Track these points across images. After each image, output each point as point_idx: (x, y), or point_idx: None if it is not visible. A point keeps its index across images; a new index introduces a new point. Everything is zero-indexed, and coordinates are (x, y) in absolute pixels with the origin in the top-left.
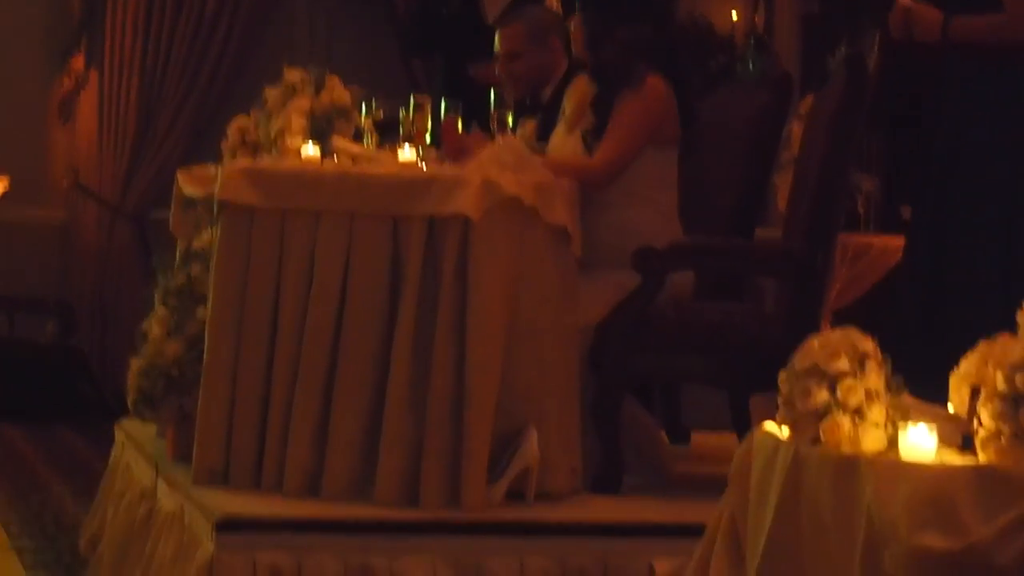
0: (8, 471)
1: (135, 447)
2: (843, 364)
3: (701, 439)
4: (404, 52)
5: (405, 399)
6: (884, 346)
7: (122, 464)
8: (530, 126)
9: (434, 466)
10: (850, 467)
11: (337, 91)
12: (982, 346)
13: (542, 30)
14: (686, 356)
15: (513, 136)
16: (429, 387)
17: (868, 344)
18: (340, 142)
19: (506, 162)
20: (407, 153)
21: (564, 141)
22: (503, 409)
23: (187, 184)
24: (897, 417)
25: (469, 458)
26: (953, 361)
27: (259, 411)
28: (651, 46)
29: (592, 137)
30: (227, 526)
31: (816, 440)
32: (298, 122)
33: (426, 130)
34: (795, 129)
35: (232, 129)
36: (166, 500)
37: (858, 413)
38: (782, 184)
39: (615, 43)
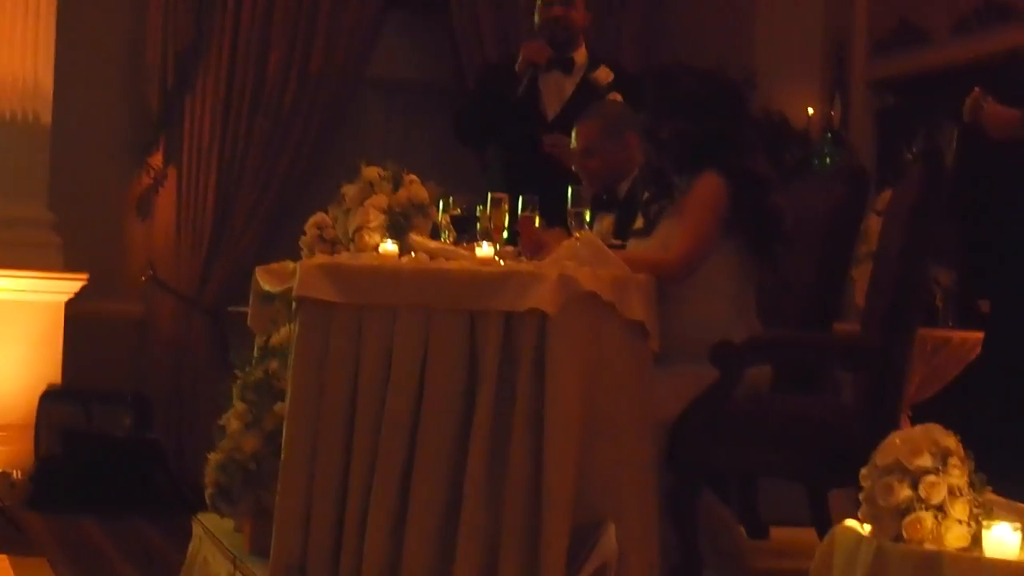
0: (86, 564)
1: (212, 541)
2: (925, 461)
3: (780, 534)
4: (459, 144)
5: (482, 492)
6: (966, 442)
7: (200, 558)
8: (607, 221)
9: (512, 560)
10: (933, 564)
11: (415, 187)
12: None
13: (618, 126)
14: (764, 450)
15: (590, 232)
16: (506, 480)
17: (950, 440)
18: (417, 238)
19: (583, 257)
20: (484, 249)
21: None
22: (580, 503)
23: (265, 280)
24: (980, 514)
25: (547, 552)
26: None
27: (336, 505)
28: (712, 141)
29: (640, 237)
30: None
31: (898, 537)
32: (376, 218)
33: (503, 226)
34: (872, 223)
35: (310, 225)
36: None
37: (941, 510)
38: (860, 278)
39: (672, 137)
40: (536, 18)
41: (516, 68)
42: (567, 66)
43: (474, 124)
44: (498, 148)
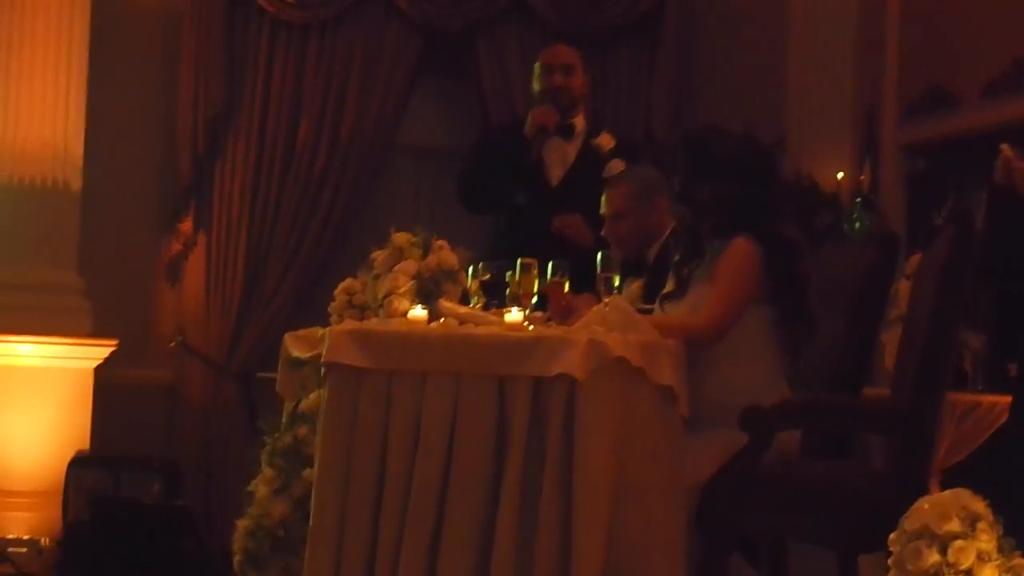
0: None
1: None
2: (954, 525)
3: None
4: (464, 209)
5: (512, 557)
6: (995, 507)
7: None
8: (636, 286)
9: None
10: None
11: (444, 253)
12: None
13: (648, 190)
14: (793, 514)
15: (619, 297)
16: (536, 545)
17: (979, 505)
18: (447, 304)
19: (613, 322)
20: (514, 314)
21: (674, 302)
22: (610, 568)
23: (294, 346)
24: None
25: None
26: None
27: (365, 571)
28: (746, 205)
29: (671, 300)
30: None
31: None
32: (405, 284)
33: (533, 291)
34: (902, 287)
35: (339, 291)
36: None
37: (969, 575)
38: (890, 342)
39: (707, 199)
40: (535, 85)
41: (526, 133)
42: (567, 132)
43: (477, 190)
44: (503, 212)
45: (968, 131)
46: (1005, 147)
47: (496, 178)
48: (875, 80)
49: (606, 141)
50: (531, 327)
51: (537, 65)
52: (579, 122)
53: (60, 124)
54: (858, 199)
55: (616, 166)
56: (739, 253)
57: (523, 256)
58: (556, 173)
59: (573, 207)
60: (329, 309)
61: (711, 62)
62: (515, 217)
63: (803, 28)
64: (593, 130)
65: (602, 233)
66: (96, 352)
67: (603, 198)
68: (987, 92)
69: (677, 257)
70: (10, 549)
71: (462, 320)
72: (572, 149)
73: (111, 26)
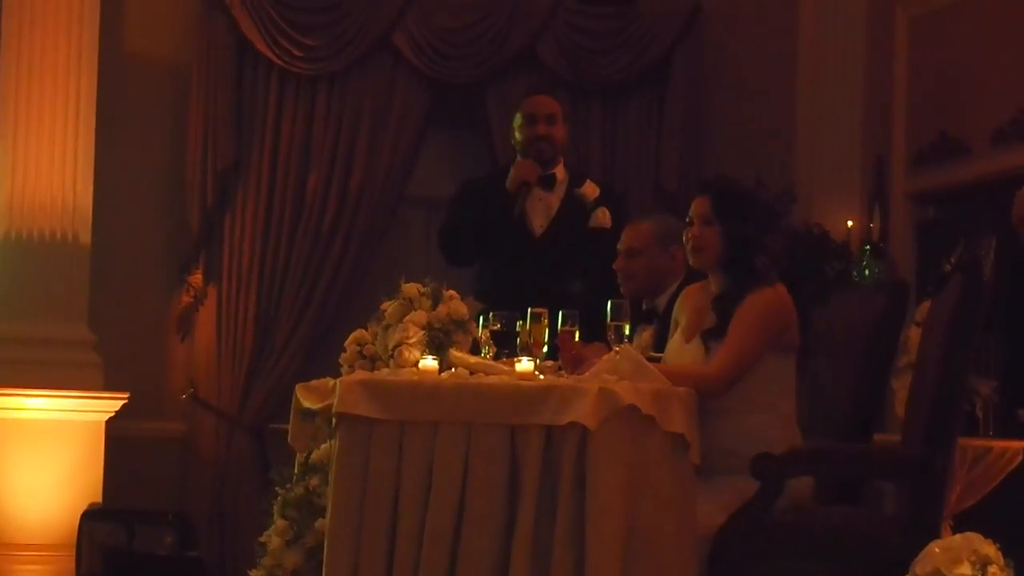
0: None
1: None
2: (965, 569)
3: None
4: (447, 262)
5: None
6: (1006, 551)
7: None
8: (647, 335)
9: None
10: None
11: (454, 304)
12: None
13: (668, 236)
14: (806, 561)
15: (630, 345)
16: None
17: (990, 549)
18: (457, 354)
19: (623, 371)
20: (524, 364)
21: (681, 350)
22: None
23: (305, 397)
24: None
25: None
26: None
27: None
28: (781, 255)
29: (711, 336)
30: None
31: None
32: (415, 334)
33: (543, 341)
34: (912, 335)
35: (350, 342)
36: None
37: None
38: (900, 389)
39: (764, 250)
40: (517, 135)
41: (508, 187)
42: (548, 182)
43: (457, 244)
44: (486, 264)
45: (977, 179)
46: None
47: (475, 232)
48: (884, 129)
49: (590, 190)
50: (542, 376)
51: (518, 115)
52: (559, 171)
53: (69, 178)
54: (868, 247)
55: (602, 215)
56: (758, 305)
57: (508, 307)
58: (539, 223)
59: (557, 257)
60: (340, 360)
61: (720, 112)
62: (500, 268)
63: (812, 77)
64: (574, 179)
65: (614, 266)
66: (107, 405)
67: (623, 234)
68: (995, 140)
69: (718, 293)
70: None
71: (473, 370)
72: (555, 199)
73: (119, 79)
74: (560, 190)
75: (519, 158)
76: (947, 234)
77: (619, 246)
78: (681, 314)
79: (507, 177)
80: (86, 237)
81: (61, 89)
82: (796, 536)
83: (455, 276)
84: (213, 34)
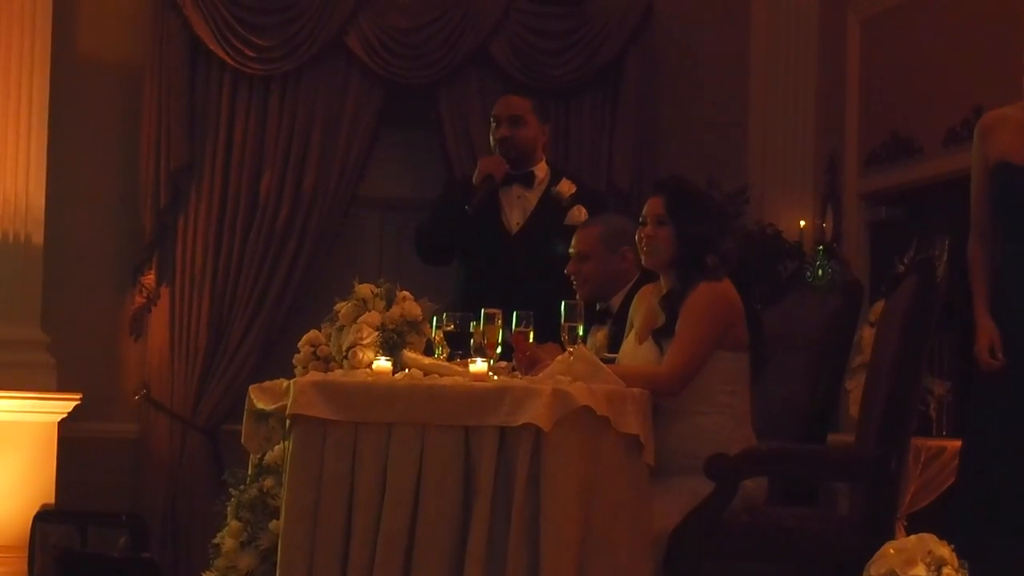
0: None
1: None
2: (920, 570)
3: None
4: (422, 260)
5: None
6: (960, 551)
7: None
8: (601, 335)
9: None
10: None
11: (408, 304)
12: None
13: (616, 238)
14: (760, 562)
15: (584, 346)
16: None
17: (945, 550)
18: (411, 355)
19: (577, 372)
20: (478, 364)
21: (635, 351)
22: None
23: (259, 398)
24: None
25: None
26: None
27: None
28: (734, 257)
29: (662, 335)
30: None
31: None
32: (369, 335)
33: (497, 342)
34: (866, 334)
35: (303, 343)
36: None
37: None
38: (854, 389)
39: (716, 250)
40: (491, 138)
41: (473, 181)
42: (528, 180)
43: (432, 241)
44: (463, 262)
45: (930, 179)
46: None
47: (448, 229)
48: (836, 129)
49: (566, 188)
50: (496, 377)
51: (491, 119)
52: (540, 170)
53: (22, 179)
54: (821, 247)
55: (578, 213)
56: (702, 300)
57: (484, 305)
58: (516, 220)
59: (533, 254)
60: (294, 361)
61: (673, 112)
62: (476, 266)
63: (764, 78)
64: (555, 178)
65: (566, 270)
66: (60, 406)
67: (574, 238)
68: (947, 140)
69: (666, 291)
70: None
71: (427, 371)
72: (533, 197)
73: (71, 80)
74: (539, 189)
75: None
76: (900, 234)
77: (570, 250)
78: (636, 315)
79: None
80: (39, 238)
81: (13, 90)
82: (751, 537)
83: (409, 277)
84: (166, 34)
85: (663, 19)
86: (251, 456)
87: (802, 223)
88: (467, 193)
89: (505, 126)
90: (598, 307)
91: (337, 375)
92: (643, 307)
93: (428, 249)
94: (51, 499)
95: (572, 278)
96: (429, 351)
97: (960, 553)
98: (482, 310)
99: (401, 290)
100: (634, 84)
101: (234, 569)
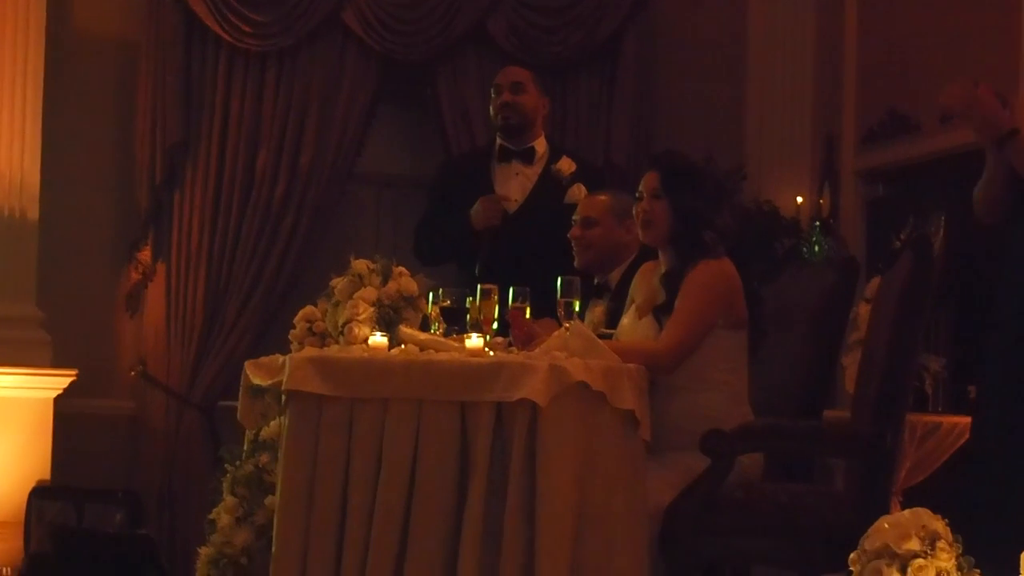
0: None
1: None
2: (914, 544)
3: None
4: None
5: None
6: (955, 526)
7: None
8: (599, 311)
9: None
10: None
11: (404, 280)
12: None
13: (623, 210)
14: (756, 538)
15: (581, 322)
16: (499, 571)
17: (939, 524)
18: (407, 330)
19: (574, 348)
20: (475, 340)
21: (634, 327)
22: None
23: (255, 374)
24: None
25: None
26: None
27: None
28: (733, 232)
29: (662, 312)
30: None
31: None
32: (365, 311)
33: (493, 317)
34: (862, 311)
35: (299, 319)
36: None
37: None
38: (850, 365)
39: (713, 225)
40: (491, 110)
41: (474, 225)
42: (528, 156)
43: (432, 251)
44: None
45: (926, 156)
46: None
47: (454, 253)
48: (834, 106)
49: (566, 165)
50: (492, 353)
51: (492, 89)
52: (539, 145)
53: (16, 154)
54: (817, 224)
55: (578, 191)
56: (702, 278)
57: (484, 283)
58: (515, 198)
59: (533, 233)
60: (290, 337)
61: (671, 90)
62: (475, 244)
63: (762, 55)
64: (555, 155)
65: (569, 235)
66: (55, 383)
67: (580, 204)
68: (945, 118)
69: (665, 269)
70: None
71: (423, 347)
72: (532, 173)
73: (67, 56)
74: (539, 165)
75: (497, 134)
76: (896, 211)
77: (575, 216)
78: (637, 291)
79: (485, 158)
80: (34, 214)
81: (8, 65)
82: (746, 513)
83: (405, 253)
84: (161, 10)
85: None
86: (247, 432)
87: (799, 200)
88: (461, 174)
89: (507, 92)
90: (596, 281)
91: (333, 351)
92: (644, 284)
93: (430, 260)
94: (47, 475)
95: (573, 243)
96: (425, 327)
97: (955, 527)
98: (478, 286)
99: (397, 266)
100: (632, 61)
101: (230, 544)
